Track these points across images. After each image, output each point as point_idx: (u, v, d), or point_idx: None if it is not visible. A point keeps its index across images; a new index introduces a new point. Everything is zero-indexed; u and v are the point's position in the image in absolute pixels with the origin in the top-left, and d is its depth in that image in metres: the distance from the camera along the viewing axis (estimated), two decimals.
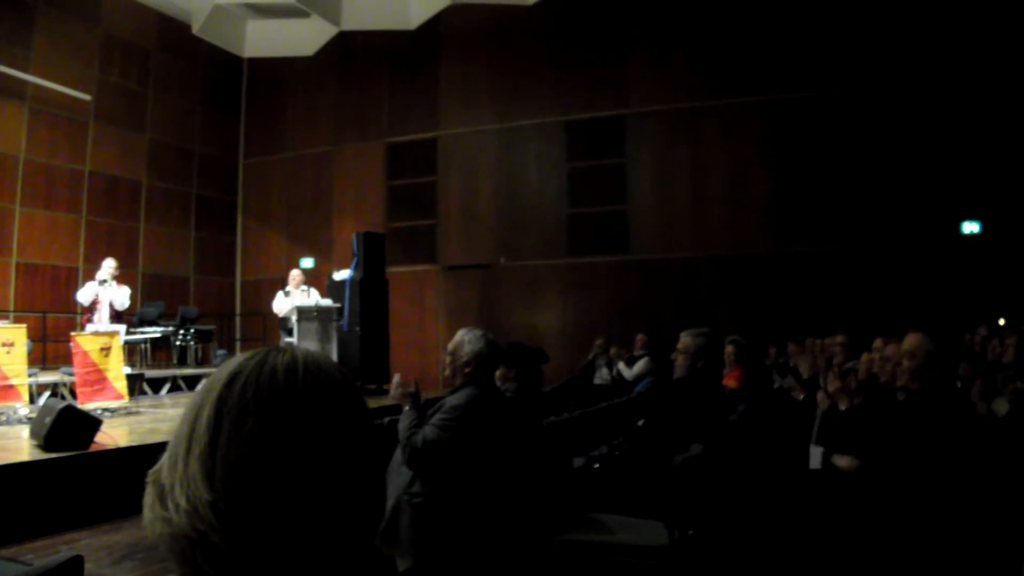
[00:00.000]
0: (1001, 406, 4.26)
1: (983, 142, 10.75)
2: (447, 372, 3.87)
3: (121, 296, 9.12)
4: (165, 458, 0.78)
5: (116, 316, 9.16)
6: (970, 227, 10.88)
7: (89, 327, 8.85)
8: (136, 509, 0.80)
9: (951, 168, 10.92)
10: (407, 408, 3.62)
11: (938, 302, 10.20)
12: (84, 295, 9.05)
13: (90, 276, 9.49)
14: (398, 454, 3.56)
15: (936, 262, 10.89)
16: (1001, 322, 9.06)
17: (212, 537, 0.72)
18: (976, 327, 7.88)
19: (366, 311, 11.10)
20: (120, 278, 9.34)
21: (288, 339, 9.82)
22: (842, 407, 4.30)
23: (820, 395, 4.76)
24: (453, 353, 3.78)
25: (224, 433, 0.75)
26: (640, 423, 5.68)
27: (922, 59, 11.17)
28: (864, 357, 5.67)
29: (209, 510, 0.72)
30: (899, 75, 11.33)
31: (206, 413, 0.76)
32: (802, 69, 11.96)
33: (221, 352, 13.51)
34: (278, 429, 0.76)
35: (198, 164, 15.51)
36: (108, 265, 9.12)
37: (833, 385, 4.41)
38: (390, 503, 3.44)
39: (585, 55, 13.57)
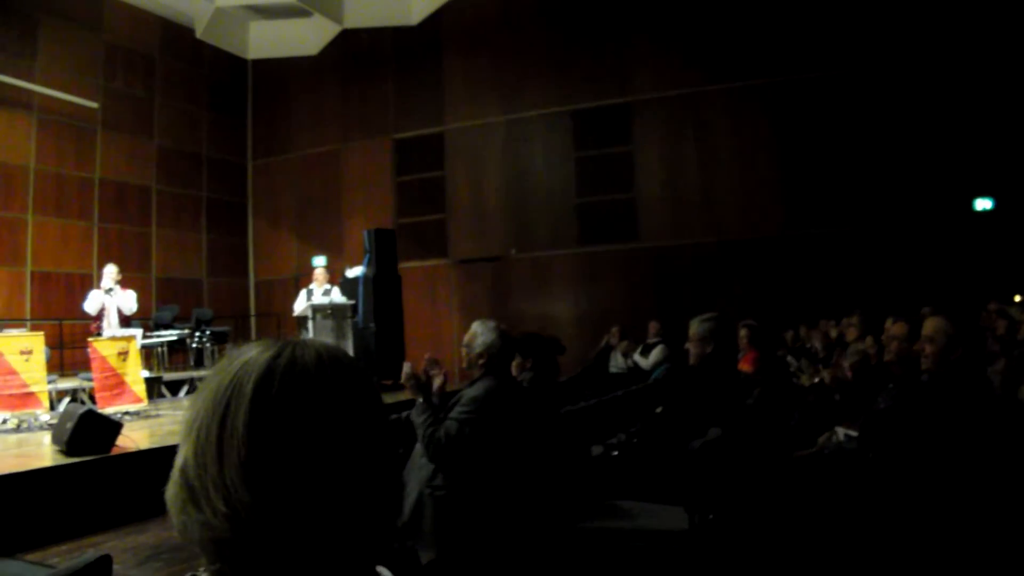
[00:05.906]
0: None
1: (994, 119, 10.64)
2: (464, 364, 3.90)
3: (128, 301, 9.17)
4: (189, 457, 0.77)
5: (125, 320, 9.21)
6: (983, 204, 10.78)
7: (107, 334, 8.91)
8: (160, 510, 0.80)
9: (963, 145, 10.81)
10: (419, 401, 3.63)
11: (952, 280, 10.12)
12: (90, 305, 9.09)
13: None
14: (419, 448, 3.57)
15: (949, 240, 10.80)
16: (1017, 299, 9.01)
17: (253, 538, 0.74)
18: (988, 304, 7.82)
19: (380, 307, 11.12)
20: (124, 282, 9.38)
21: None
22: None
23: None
24: (468, 345, 3.82)
25: (265, 437, 0.75)
26: (658, 410, 5.69)
27: (931, 36, 11.06)
28: (868, 340, 5.64)
29: (251, 513, 0.73)
30: (907, 54, 11.22)
31: (241, 417, 0.75)
32: (805, 51, 11.87)
33: None
34: (317, 429, 0.76)
35: (207, 167, 15.58)
36: (110, 272, 9.18)
37: (833, 371, 4.42)
38: (412, 497, 3.46)
39: (588, 44, 13.52)
